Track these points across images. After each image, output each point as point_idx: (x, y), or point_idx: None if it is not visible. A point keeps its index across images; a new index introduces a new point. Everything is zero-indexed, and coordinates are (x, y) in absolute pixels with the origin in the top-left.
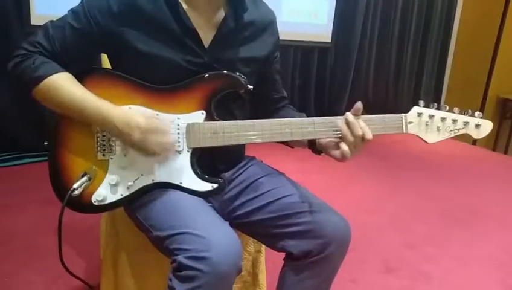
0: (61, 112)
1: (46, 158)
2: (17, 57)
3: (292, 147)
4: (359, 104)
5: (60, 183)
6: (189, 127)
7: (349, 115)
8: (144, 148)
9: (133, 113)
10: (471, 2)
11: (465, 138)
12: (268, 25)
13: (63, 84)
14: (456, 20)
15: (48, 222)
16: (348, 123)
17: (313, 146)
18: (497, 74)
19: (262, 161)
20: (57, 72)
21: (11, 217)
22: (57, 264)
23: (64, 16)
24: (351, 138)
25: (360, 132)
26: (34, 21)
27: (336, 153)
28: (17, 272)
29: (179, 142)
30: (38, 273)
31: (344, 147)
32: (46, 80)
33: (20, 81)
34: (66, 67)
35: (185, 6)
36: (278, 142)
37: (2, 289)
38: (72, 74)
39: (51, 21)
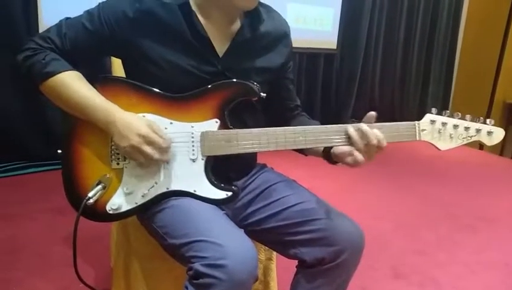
0: (67, 109)
1: (54, 167)
2: (27, 50)
3: (306, 155)
4: (373, 113)
5: (74, 192)
6: (204, 135)
7: (362, 125)
8: (133, 154)
9: (137, 120)
10: (475, 8)
11: (472, 142)
12: (283, 35)
13: (72, 82)
14: (461, 26)
15: (56, 231)
16: (362, 132)
17: (328, 156)
18: (503, 80)
19: (273, 168)
20: (67, 70)
21: (20, 225)
22: (66, 273)
23: (80, 15)
24: (361, 146)
25: (374, 141)
26: (42, 31)
27: (349, 159)
28: (26, 281)
29: (193, 150)
30: (47, 282)
31: (357, 154)
32: (55, 77)
33: (28, 75)
34: (75, 67)
35: (199, 16)
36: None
37: None
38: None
39: (66, 18)
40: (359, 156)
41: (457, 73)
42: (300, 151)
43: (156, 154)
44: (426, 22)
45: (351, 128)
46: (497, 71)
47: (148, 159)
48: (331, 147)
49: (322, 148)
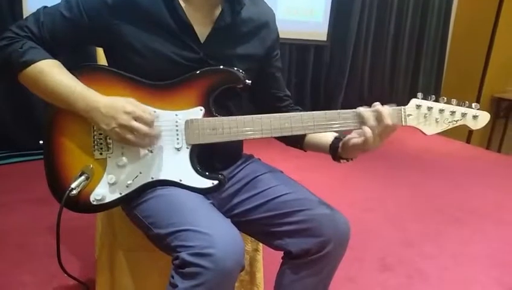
0: (47, 99)
1: (37, 157)
2: (4, 39)
3: (305, 151)
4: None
5: (57, 183)
6: (188, 124)
7: (378, 104)
8: (123, 134)
9: (119, 100)
10: (465, 3)
11: (460, 136)
12: (266, 22)
13: (51, 70)
14: (451, 21)
15: (39, 221)
16: (377, 111)
17: (335, 151)
18: (491, 73)
19: (260, 159)
20: (45, 59)
21: (2, 216)
22: (50, 264)
23: (58, 3)
24: (376, 126)
25: (389, 122)
26: None
27: (358, 140)
28: (10, 273)
29: (178, 139)
30: (31, 273)
31: (367, 130)
32: (33, 66)
33: (6, 64)
34: (54, 56)
35: (181, 1)
36: (288, 145)
37: None
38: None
39: (44, 7)
40: (369, 132)
41: (446, 66)
42: (300, 147)
43: (145, 128)
44: (417, 15)
45: (362, 110)
46: (485, 65)
47: (139, 134)
48: (340, 141)
49: (329, 142)
